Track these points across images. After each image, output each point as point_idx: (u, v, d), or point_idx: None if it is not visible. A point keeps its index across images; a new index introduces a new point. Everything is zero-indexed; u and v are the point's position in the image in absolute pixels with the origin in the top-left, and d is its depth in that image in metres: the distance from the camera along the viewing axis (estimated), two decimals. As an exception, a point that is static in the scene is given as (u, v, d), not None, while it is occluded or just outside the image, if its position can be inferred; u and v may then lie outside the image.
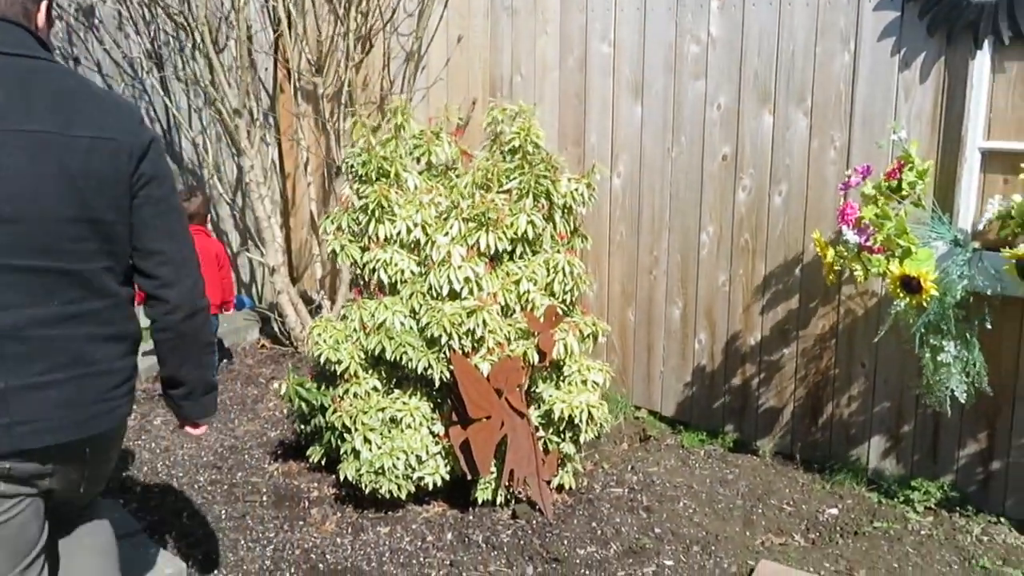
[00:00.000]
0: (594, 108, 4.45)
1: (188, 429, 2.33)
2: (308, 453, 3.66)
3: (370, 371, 3.48)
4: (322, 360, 3.45)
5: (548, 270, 3.49)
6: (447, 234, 3.38)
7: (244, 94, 4.89)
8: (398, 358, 3.30)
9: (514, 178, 3.53)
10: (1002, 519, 3.30)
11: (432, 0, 4.89)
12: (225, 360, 4.98)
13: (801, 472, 3.74)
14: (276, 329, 5.33)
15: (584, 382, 3.45)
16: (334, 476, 3.61)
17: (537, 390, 3.49)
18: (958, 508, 3.37)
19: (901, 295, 3.04)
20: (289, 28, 5.29)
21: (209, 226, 4.91)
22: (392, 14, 4.95)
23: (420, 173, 3.71)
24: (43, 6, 2.00)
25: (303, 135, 5.45)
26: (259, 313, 5.58)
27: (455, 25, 5.10)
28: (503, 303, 3.40)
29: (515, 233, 3.41)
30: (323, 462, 3.63)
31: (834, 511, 3.41)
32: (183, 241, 2.11)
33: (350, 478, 3.36)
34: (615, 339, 4.47)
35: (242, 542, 3.19)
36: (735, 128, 3.93)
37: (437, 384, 3.32)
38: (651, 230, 4.29)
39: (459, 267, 3.29)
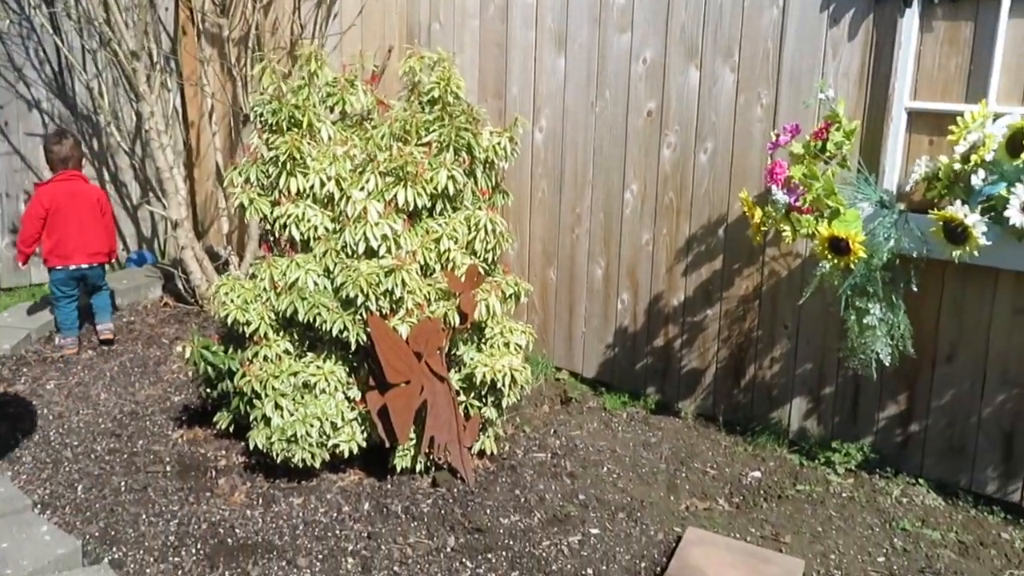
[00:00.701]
0: (516, 59, 4.29)
1: None
2: (215, 419, 3.47)
3: (281, 333, 3.29)
4: (229, 321, 3.24)
5: (469, 228, 3.34)
6: (363, 189, 3.20)
7: (143, 35, 4.56)
8: (311, 320, 3.12)
9: (433, 130, 3.36)
10: (920, 480, 3.33)
11: (346, -60, 4.63)
12: (114, 310, 4.65)
13: (723, 434, 3.71)
14: (180, 286, 5.06)
15: (507, 344, 3.33)
16: (243, 443, 3.42)
17: (457, 353, 3.36)
18: (878, 470, 3.39)
19: (829, 257, 3.00)
20: (191, -36, 4.95)
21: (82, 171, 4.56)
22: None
23: (334, 123, 3.50)
24: None
25: (208, 81, 5.14)
26: (161, 269, 5.29)
27: (370, -32, 4.85)
28: (422, 262, 3.25)
29: (435, 188, 3.25)
30: (231, 429, 3.43)
31: (757, 474, 3.39)
32: None
33: (260, 446, 3.19)
34: (536, 299, 4.37)
35: (143, 516, 2.99)
36: (661, 83, 3.83)
37: (353, 348, 3.15)
38: (574, 187, 4.17)
39: (376, 224, 3.11)
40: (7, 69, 5.03)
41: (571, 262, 4.24)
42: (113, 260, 4.61)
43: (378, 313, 3.11)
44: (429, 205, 3.28)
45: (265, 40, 4.84)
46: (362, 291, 3.05)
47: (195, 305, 4.96)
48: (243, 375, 3.26)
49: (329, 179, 3.22)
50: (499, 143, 3.42)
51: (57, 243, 4.30)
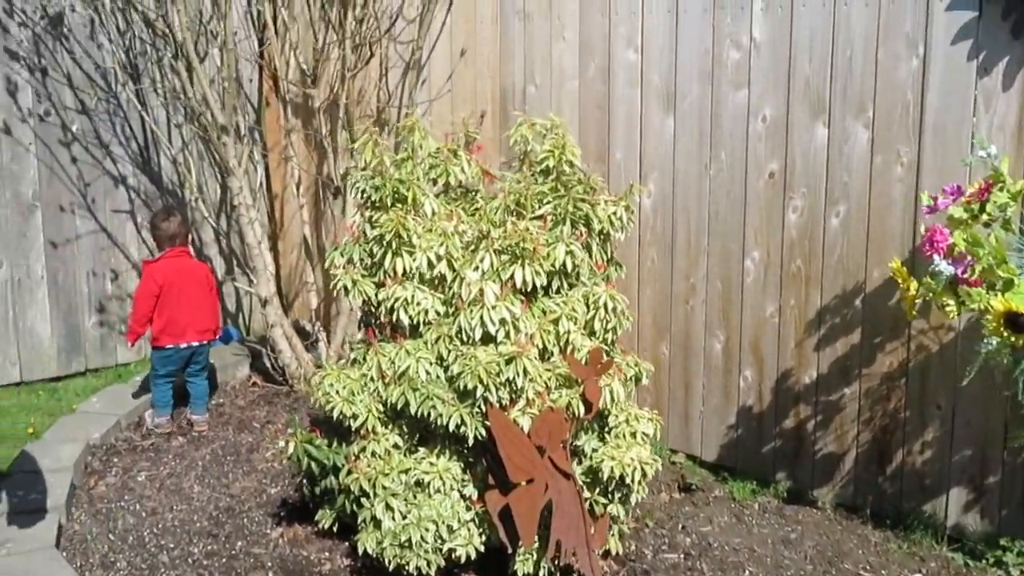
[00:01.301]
0: (619, 121, 4.06)
1: None
2: (317, 518, 3.22)
3: (390, 426, 3.05)
4: (335, 414, 3.01)
5: (588, 306, 3.08)
6: (477, 268, 2.96)
7: (231, 108, 4.44)
8: (425, 413, 2.87)
9: (548, 202, 3.12)
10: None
11: (434, 5, 4.47)
12: (212, 391, 4.50)
13: (871, 528, 3.34)
14: (268, 365, 4.88)
15: (633, 434, 3.03)
16: (347, 544, 3.17)
17: (578, 444, 3.07)
18: (1059, 571, 3.00)
19: (1005, 334, 2.66)
20: (276, 35, 4.85)
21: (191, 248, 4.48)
22: (392, 21, 4.52)
23: (436, 196, 3.29)
24: None
25: (294, 152, 5.00)
26: (249, 347, 5.12)
27: (460, 32, 4.69)
28: (540, 346, 2.99)
29: (552, 265, 3.00)
30: (335, 528, 3.19)
31: (919, 576, 3.03)
32: None
33: (371, 551, 2.92)
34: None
35: (247, 631, 2.75)
36: (784, 142, 3.55)
37: (470, 443, 2.89)
38: (687, 255, 3.89)
39: (493, 307, 2.86)
40: (94, 146, 4.96)
41: (685, 336, 3.94)
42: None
43: (497, 404, 2.85)
44: (545, 283, 3.03)
45: (353, 108, 4.69)
46: (481, 381, 2.79)
47: (284, 385, 4.77)
48: (349, 472, 3.01)
49: (439, 259, 2.99)
50: (615, 212, 3.16)
51: (169, 321, 4.19)
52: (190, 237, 4.42)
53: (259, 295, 4.67)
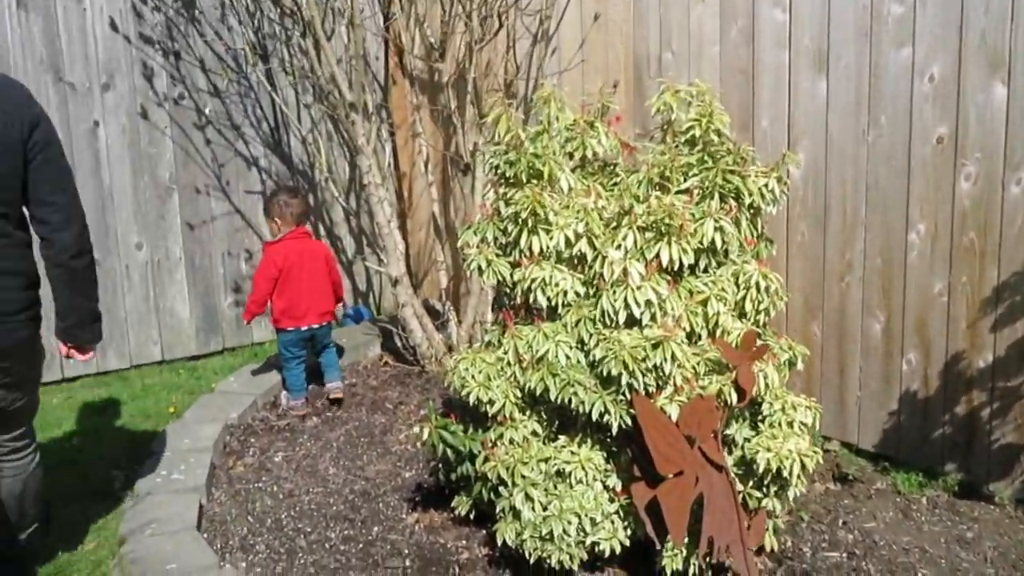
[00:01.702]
0: (765, 86, 3.78)
1: (75, 354, 2.74)
2: (453, 504, 3.13)
3: (528, 412, 2.91)
4: (471, 400, 2.89)
5: (738, 285, 2.86)
6: (620, 246, 2.78)
7: (359, 86, 4.38)
8: (565, 400, 2.72)
9: (694, 175, 2.91)
10: None
11: (563, -29, 4.29)
12: (342, 378, 4.49)
13: (1059, 528, 3.02)
14: (399, 345, 4.83)
15: (790, 423, 2.80)
16: (484, 532, 3.07)
17: (728, 432, 2.87)
18: None
19: None
20: (401, 10, 4.76)
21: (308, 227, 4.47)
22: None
23: (572, 171, 3.12)
24: None
25: (422, 128, 4.91)
26: (379, 326, 5.09)
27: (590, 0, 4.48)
28: (687, 329, 2.79)
29: (700, 243, 2.79)
30: (471, 515, 3.09)
31: (1121, 586, 2.70)
32: (71, 195, 2.58)
33: (510, 542, 2.81)
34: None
35: (386, 622, 2.68)
36: (954, 103, 3.21)
37: (614, 431, 2.72)
38: (841, 229, 3.60)
39: (639, 288, 2.68)
40: (227, 128, 5.00)
41: (840, 316, 3.65)
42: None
43: (643, 391, 2.67)
44: (692, 262, 2.82)
45: (481, 82, 4.56)
46: (626, 367, 2.62)
47: (416, 365, 4.71)
48: (486, 459, 2.90)
49: (578, 236, 2.83)
50: (766, 185, 2.92)
51: (289, 304, 4.16)
52: (319, 217, 4.40)
53: (389, 275, 4.62)
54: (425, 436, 3.03)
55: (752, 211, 2.96)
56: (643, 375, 2.64)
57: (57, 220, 2.54)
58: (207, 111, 4.92)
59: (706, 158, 2.92)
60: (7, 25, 4.32)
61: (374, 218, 4.59)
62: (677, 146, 2.97)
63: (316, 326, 4.24)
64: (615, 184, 3.14)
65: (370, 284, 5.67)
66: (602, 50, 4.47)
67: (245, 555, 3.06)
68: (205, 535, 3.14)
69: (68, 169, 2.62)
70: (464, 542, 3.09)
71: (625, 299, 2.68)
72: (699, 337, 2.84)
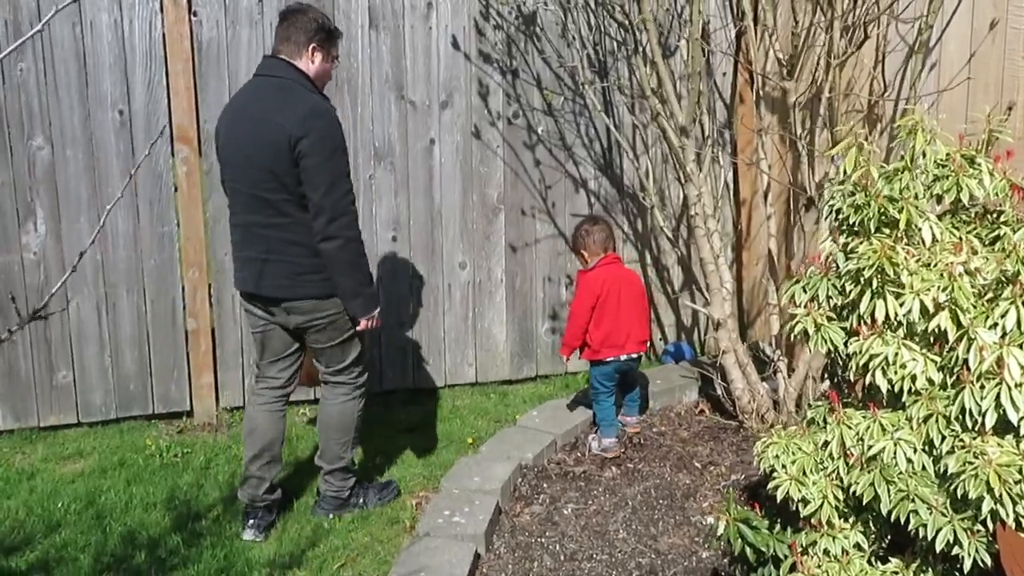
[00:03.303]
0: None
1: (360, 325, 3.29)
2: (750, 610, 2.61)
3: (851, 519, 2.33)
4: (779, 495, 2.37)
5: None
6: (996, 325, 2.11)
7: (694, 107, 3.95)
8: (901, 516, 2.12)
9: (1116, 235, 2.15)
10: None
11: (953, -31, 3.54)
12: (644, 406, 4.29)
13: None
14: (719, 392, 4.33)
15: None
16: (786, 651, 2.52)
17: None
18: None
19: None
20: (755, 21, 4.25)
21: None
22: (897, -7, 3.67)
23: (940, 218, 2.47)
24: (312, 51, 3.21)
25: (764, 154, 4.37)
26: (699, 370, 4.63)
27: (986, 2, 3.68)
28: (1085, 442, 2.05)
29: (1115, 329, 2.04)
30: (772, 626, 2.55)
31: None
32: (328, 191, 3.07)
33: None
34: None
35: None
36: None
37: (967, 567, 2.07)
38: None
39: (1018, 385, 2.00)
40: (557, 148, 4.81)
41: None
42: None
43: (1012, 524, 1.99)
44: (1101, 352, 2.07)
45: (838, 103, 3.93)
46: (990, 489, 1.96)
47: (734, 420, 4.19)
48: (793, 567, 2.36)
49: (939, 306, 2.20)
50: None
51: (609, 332, 3.94)
52: (647, 244, 4.08)
53: (712, 316, 4.15)
54: (721, 530, 2.54)
55: None
56: (1014, 502, 1.97)
57: (314, 210, 3.09)
58: (539, 130, 4.77)
59: None
60: (359, 44, 4.46)
61: (700, 252, 4.14)
62: (1093, 195, 2.22)
63: (636, 356, 4.03)
64: (996, 238, 2.44)
65: (696, 319, 5.21)
66: (995, 66, 3.66)
67: (511, 622, 2.79)
68: (475, 591, 2.91)
69: (329, 171, 3.10)
70: (759, 659, 2.56)
71: (997, 397, 2.02)
72: (1101, 455, 2.08)
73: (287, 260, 3.15)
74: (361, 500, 3.51)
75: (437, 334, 4.76)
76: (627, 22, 3.98)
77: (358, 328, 3.27)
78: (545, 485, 3.67)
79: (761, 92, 4.44)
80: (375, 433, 4.22)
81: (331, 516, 3.44)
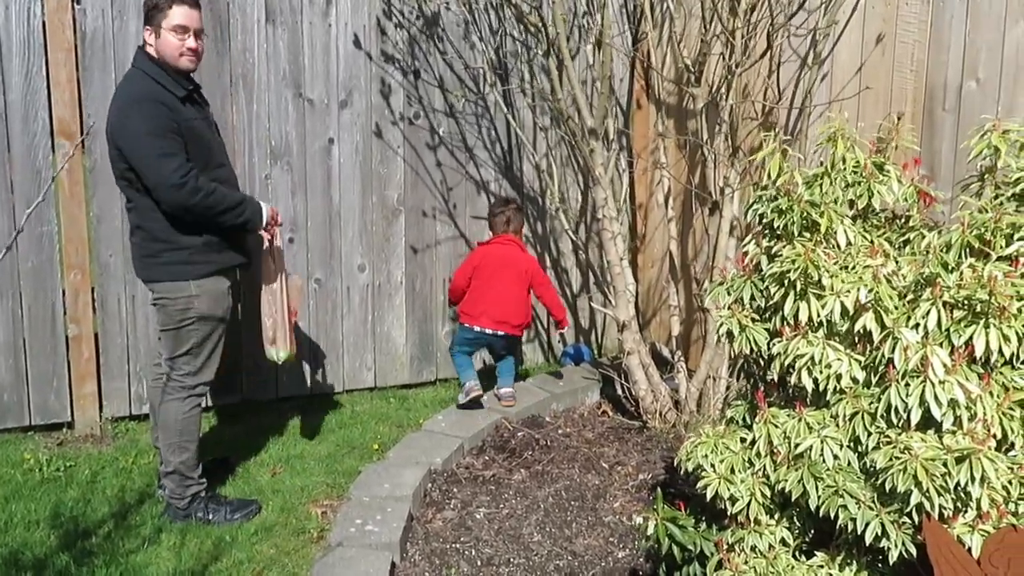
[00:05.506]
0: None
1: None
2: (675, 610, 2.64)
3: (776, 515, 2.38)
4: (708, 494, 2.40)
5: (1074, 384, 2.19)
6: (918, 325, 2.19)
7: (603, 110, 3.99)
8: (830, 511, 2.17)
9: (1021, 237, 2.27)
10: None
11: (846, -16, 3.70)
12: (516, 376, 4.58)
13: None
14: (620, 393, 4.39)
15: None
16: (710, 648, 2.55)
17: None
18: None
19: None
20: (653, 27, 4.33)
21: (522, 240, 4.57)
22: (800, 4, 3.80)
23: (852, 222, 2.56)
24: (148, 32, 3.21)
25: (664, 158, 4.45)
26: (600, 371, 4.68)
27: (876, 15, 3.85)
28: (998, 435, 2.16)
29: (1025, 327, 2.16)
30: (695, 625, 2.58)
31: None
32: (151, 172, 3.13)
33: None
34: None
35: None
36: None
37: (893, 559, 2.14)
38: None
39: (942, 382, 2.09)
40: (459, 149, 4.77)
41: None
42: (522, 335, 4.61)
43: (937, 515, 2.07)
44: (1014, 351, 2.19)
45: (736, 111, 4.04)
46: (917, 483, 2.03)
47: (637, 420, 4.25)
48: (720, 564, 2.39)
49: (862, 308, 2.27)
50: (1117, 255, 2.23)
51: (469, 301, 4.36)
52: (546, 247, 4.10)
53: (616, 318, 4.19)
54: (650, 530, 2.55)
55: (1093, 288, 2.28)
56: (939, 494, 2.05)
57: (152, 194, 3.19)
58: (441, 131, 4.71)
59: (1042, 217, 2.27)
60: (255, 39, 4.29)
61: (605, 254, 4.18)
62: (1001, 201, 2.34)
63: (489, 332, 4.32)
64: (905, 242, 2.55)
65: (593, 321, 5.27)
66: (884, 77, 3.83)
67: (434, 632, 2.72)
68: (394, 601, 2.83)
69: (138, 154, 3.14)
70: (684, 657, 2.59)
71: (922, 394, 2.09)
72: (1012, 446, 2.19)
73: (135, 242, 3.31)
74: (210, 516, 3.33)
75: (335, 338, 4.63)
76: (540, 23, 3.97)
77: (265, 229, 3.45)
78: (456, 490, 3.62)
79: (659, 98, 4.54)
80: (272, 441, 4.07)
81: (178, 523, 3.31)
